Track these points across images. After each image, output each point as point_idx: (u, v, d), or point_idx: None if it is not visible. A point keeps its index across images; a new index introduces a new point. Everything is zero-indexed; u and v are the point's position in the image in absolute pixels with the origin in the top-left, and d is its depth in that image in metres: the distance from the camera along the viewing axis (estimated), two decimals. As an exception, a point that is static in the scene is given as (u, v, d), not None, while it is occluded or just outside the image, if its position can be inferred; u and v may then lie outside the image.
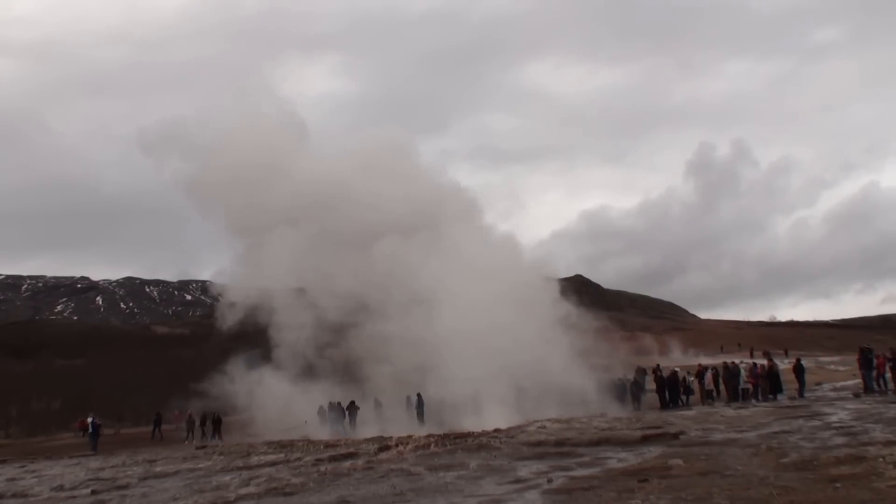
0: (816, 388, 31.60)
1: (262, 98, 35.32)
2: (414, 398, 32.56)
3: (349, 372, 35.51)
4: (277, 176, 32.98)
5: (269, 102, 35.17)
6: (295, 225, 33.14)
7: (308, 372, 34.62)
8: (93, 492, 17.51)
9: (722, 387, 30.39)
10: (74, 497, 17.11)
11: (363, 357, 32.19)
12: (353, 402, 34.64)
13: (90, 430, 39.18)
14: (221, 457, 24.25)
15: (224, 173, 33.17)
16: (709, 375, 31.18)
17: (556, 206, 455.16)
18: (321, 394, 34.80)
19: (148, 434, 42.42)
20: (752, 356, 58.20)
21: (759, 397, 28.08)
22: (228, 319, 34.70)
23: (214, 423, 36.79)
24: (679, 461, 13.20)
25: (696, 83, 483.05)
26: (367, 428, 30.31)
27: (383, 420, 31.99)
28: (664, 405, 29.34)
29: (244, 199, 33.59)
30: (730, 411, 23.79)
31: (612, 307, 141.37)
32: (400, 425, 29.28)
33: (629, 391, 31.67)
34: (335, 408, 34.90)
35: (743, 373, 29.58)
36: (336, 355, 35.44)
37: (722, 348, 79.38)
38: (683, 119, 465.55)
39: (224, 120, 33.94)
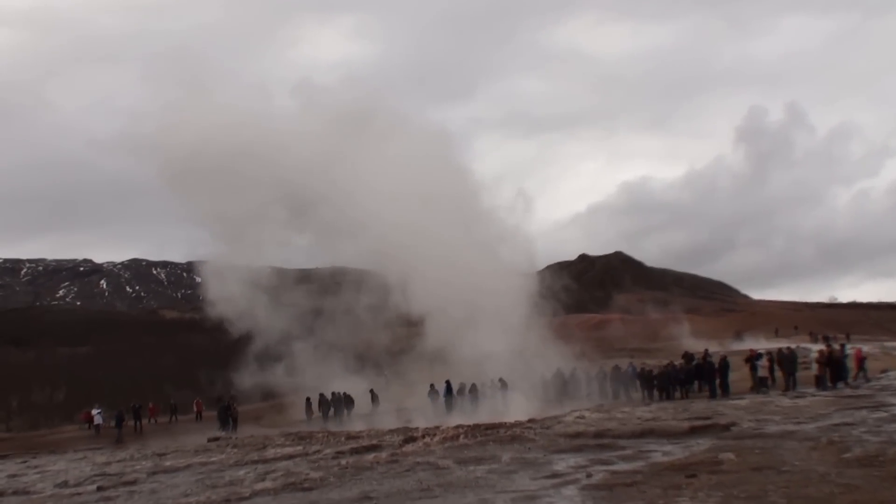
0: (882, 375, 31.22)
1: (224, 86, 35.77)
2: (441, 386, 32.71)
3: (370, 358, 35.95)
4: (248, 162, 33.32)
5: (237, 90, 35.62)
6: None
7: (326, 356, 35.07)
8: (99, 488, 17.67)
9: (778, 374, 30.10)
10: (79, 494, 17.28)
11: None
12: (346, 395, 35.15)
13: (100, 421, 39.91)
14: (235, 450, 24.42)
15: (194, 168, 33.60)
16: (763, 361, 30.94)
17: (594, 177, 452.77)
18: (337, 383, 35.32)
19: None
20: (817, 340, 57.70)
21: (821, 385, 27.84)
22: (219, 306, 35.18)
23: (230, 411, 37.11)
24: (730, 455, 13.11)
25: (747, 42, 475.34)
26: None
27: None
28: (713, 394, 29.15)
29: (216, 190, 34.03)
30: (786, 401, 23.60)
31: (655, 287, 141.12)
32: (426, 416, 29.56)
33: (639, 380, 32.19)
34: (326, 401, 35.42)
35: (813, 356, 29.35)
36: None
37: (777, 331, 78.73)
38: (733, 81, 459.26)
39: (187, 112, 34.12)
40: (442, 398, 32.92)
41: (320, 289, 36.98)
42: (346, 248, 34.22)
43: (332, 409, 36.01)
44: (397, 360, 39.89)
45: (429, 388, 33.38)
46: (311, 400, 36.99)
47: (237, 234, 35.11)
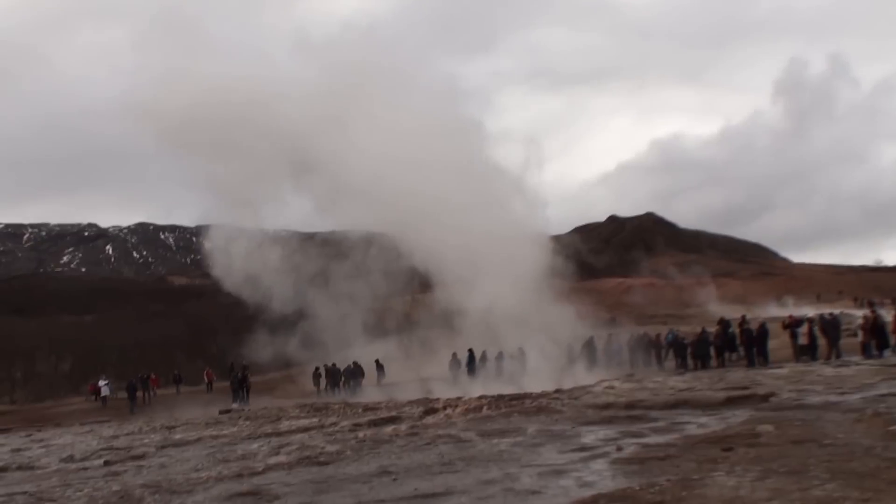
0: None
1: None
2: (463, 355, 32.81)
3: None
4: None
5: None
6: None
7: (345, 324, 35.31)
8: (106, 463, 17.83)
9: (821, 342, 29.87)
10: (86, 469, 17.39)
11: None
12: (356, 364, 35.36)
13: (107, 393, 40.28)
14: (248, 422, 24.62)
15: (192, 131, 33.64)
16: (804, 328, 30.76)
17: (624, 133, 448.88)
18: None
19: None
20: (862, 305, 57.29)
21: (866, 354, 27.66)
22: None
23: (245, 382, 37.31)
24: (769, 427, 13.04)
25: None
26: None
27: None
28: (751, 363, 29.05)
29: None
30: (828, 370, 23.40)
31: (689, 249, 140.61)
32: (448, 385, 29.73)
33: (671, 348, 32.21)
34: (336, 372, 35.65)
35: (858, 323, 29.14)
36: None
37: (819, 296, 78.33)
38: (772, 30, 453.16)
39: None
40: (464, 367, 33.01)
41: (330, 253, 37.09)
42: (353, 210, 34.30)
43: (342, 380, 36.30)
44: (414, 328, 40.05)
45: (450, 358, 33.43)
46: (320, 370, 37.33)
47: (242, 197, 35.19)
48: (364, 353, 36.49)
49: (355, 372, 36.34)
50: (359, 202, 33.33)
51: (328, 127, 32.55)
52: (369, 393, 32.95)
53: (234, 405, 33.96)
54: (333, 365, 36.92)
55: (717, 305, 70.21)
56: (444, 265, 31.15)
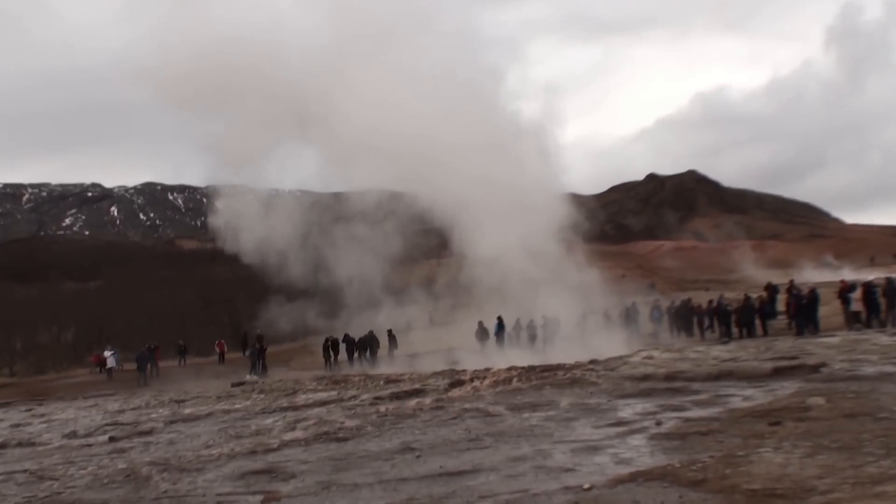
0: None
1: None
2: (491, 323, 32.81)
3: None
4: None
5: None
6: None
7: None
8: (111, 439, 17.98)
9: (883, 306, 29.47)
10: (90, 445, 17.55)
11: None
12: (371, 334, 35.39)
13: (113, 364, 40.55)
14: (262, 395, 24.78)
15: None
16: (857, 293, 30.48)
17: (665, 86, 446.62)
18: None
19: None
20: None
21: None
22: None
23: (263, 354, 37.40)
24: (820, 400, 12.97)
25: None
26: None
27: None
28: (801, 331, 28.91)
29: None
30: (884, 338, 23.22)
31: (733, 210, 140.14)
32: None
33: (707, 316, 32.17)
34: (350, 342, 35.71)
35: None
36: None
37: (873, 259, 77.81)
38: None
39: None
40: (492, 336, 33.02)
41: (347, 213, 37.00)
42: (367, 166, 34.20)
43: (356, 352, 36.37)
44: (439, 294, 40.13)
45: (476, 326, 33.39)
46: (332, 342, 37.32)
47: (250, 155, 35.16)
48: (385, 321, 36.53)
49: (371, 342, 36.32)
50: (372, 157, 33.19)
51: (337, 78, 32.34)
52: (389, 364, 33.02)
53: (249, 377, 34.12)
54: (347, 335, 36.89)
55: (763, 269, 69.96)
56: (461, 221, 31.07)
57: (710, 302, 34.31)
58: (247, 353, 40.47)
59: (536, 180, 32.60)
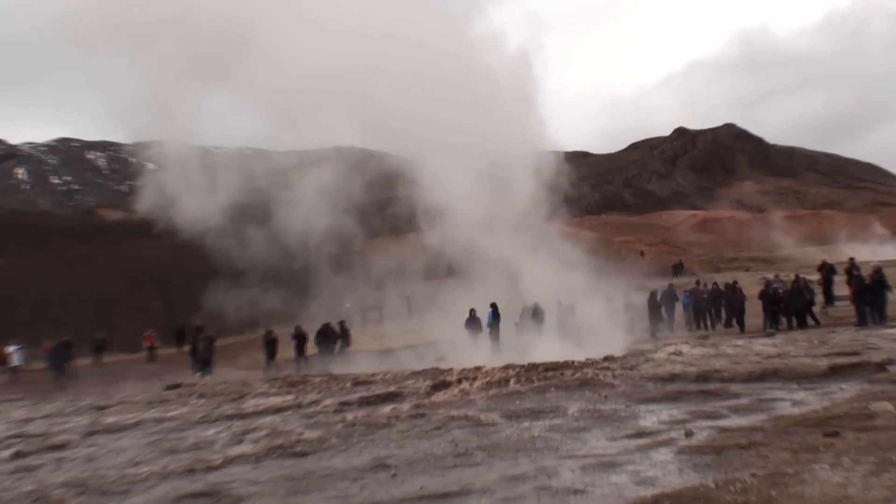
0: None
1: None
2: (484, 312, 32.83)
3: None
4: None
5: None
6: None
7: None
8: (17, 454, 17.83)
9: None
10: (-10, 462, 17.46)
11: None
12: (327, 326, 35.38)
13: (19, 362, 40.32)
14: (202, 400, 24.67)
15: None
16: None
17: (696, 22, 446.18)
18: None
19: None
20: None
21: None
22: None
23: (211, 348, 37.03)
24: (887, 405, 13.01)
25: None
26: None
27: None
28: (863, 321, 29.00)
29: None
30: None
31: (780, 171, 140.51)
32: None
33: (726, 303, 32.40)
34: (301, 336, 35.62)
35: None
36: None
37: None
38: None
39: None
40: (486, 328, 32.99)
41: (300, 177, 36.79)
42: (321, 119, 34.06)
43: (307, 346, 36.17)
44: (416, 277, 40.15)
45: (467, 316, 33.33)
46: (273, 335, 37.03)
47: (185, 106, 34.93)
48: (353, 310, 36.52)
49: (328, 335, 36.14)
50: (328, 107, 33.05)
51: (280, 12, 32.31)
52: (354, 363, 32.91)
53: (195, 377, 33.92)
54: (297, 328, 36.62)
55: (816, 245, 70.18)
56: (434, 186, 31.03)
57: (731, 285, 34.49)
58: (186, 347, 40.30)
59: (518, 134, 32.53)
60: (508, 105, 32.80)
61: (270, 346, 36.89)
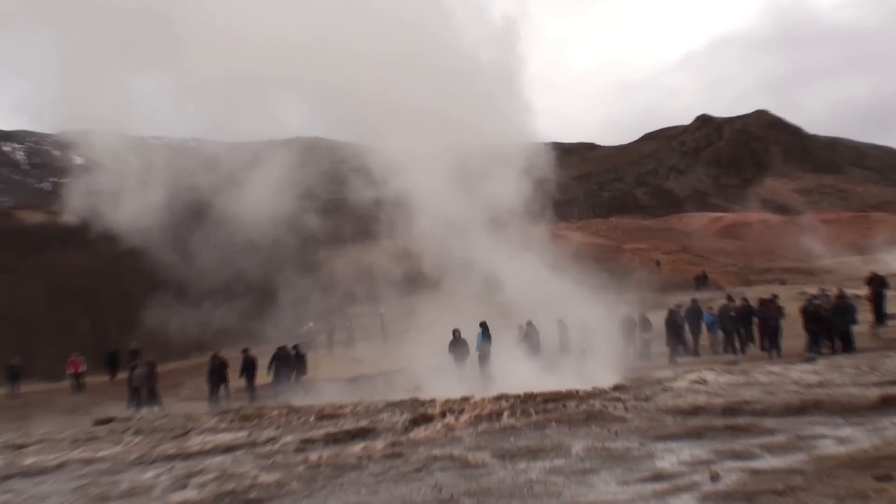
0: None
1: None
2: (472, 334, 32.81)
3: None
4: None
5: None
6: None
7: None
8: None
9: None
10: None
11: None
12: (282, 350, 35.40)
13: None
14: (139, 437, 24.60)
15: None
16: None
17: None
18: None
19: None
20: None
21: None
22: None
23: (153, 377, 36.83)
24: (949, 443, 13.02)
25: None
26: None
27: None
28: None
29: None
30: None
31: (821, 166, 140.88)
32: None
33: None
34: (249, 362, 35.58)
35: None
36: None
37: None
38: None
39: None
40: (474, 351, 32.94)
41: (250, 173, 36.77)
42: (274, 105, 34.14)
43: (255, 374, 36.05)
44: (389, 290, 40.11)
45: (451, 337, 33.25)
46: (221, 360, 36.77)
47: (117, 92, 34.92)
48: (316, 329, 36.52)
49: (285, 361, 36.02)
50: (272, 96, 33.16)
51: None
52: (317, 392, 32.82)
53: (130, 411, 33.80)
54: (246, 352, 36.38)
55: (864, 255, 70.30)
56: (405, 181, 31.12)
57: (769, 299, 34.44)
58: (119, 375, 40.25)
59: (503, 127, 32.63)
60: (489, 87, 32.89)
61: (218, 372, 36.27)
